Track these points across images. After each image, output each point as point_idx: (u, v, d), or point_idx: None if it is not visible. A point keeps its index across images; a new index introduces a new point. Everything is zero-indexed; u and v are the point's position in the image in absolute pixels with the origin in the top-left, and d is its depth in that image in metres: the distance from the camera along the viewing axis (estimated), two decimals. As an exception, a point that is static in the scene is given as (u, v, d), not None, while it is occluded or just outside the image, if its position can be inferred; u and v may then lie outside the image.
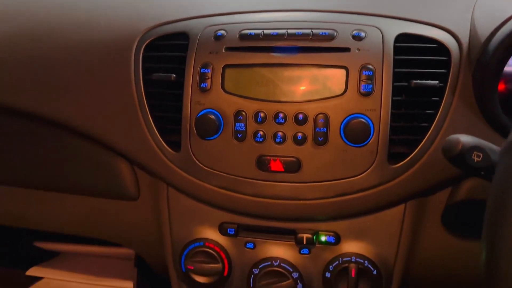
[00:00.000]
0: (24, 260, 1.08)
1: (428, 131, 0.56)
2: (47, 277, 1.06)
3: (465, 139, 0.42)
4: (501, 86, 0.57)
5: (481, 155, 0.41)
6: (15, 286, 1.04)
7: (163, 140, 0.63)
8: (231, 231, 0.64)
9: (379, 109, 0.56)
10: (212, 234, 0.65)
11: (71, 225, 0.77)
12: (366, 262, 0.60)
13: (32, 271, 1.06)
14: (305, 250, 0.63)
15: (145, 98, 0.63)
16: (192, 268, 0.65)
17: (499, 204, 0.34)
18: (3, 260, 1.11)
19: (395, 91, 0.57)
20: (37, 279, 1.06)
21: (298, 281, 0.62)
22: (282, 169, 0.59)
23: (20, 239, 1.11)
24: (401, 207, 0.60)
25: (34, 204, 0.78)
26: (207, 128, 0.60)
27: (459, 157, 0.42)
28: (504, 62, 0.53)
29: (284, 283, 0.62)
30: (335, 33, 0.58)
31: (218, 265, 0.64)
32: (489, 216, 0.35)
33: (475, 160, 0.41)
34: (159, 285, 0.97)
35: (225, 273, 0.64)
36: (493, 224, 0.34)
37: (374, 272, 0.60)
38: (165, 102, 0.63)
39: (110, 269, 1.05)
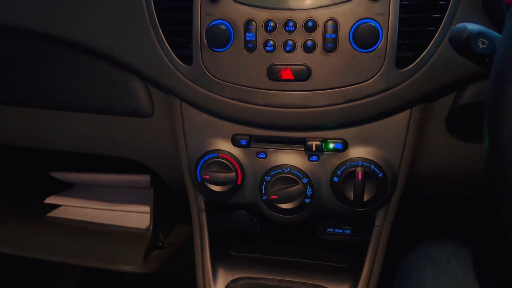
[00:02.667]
0: (41, 191, 1.12)
1: (434, 35, 0.57)
2: (65, 204, 1.11)
3: (472, 26, 0.43)
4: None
5: (486, 41, 0.43)
6: (34, 214, 1.07)
7: (174, 54, 0.64)
8: (243, 142, 0.67)
9: (388, 13, 0.57)
10: (225, 145, 0.68)
11: (87, 144, 0.79)
12: (372, 165, 0.63)
13: (50, 199, 1.10)
14: (314, 158, 0.66)
15: (155, 12, 0.64)
16: (208, 177, 0.68)
17: (504, 61, 0.35)
18: (20, 190, 1.15)
19: None
20: (55, 207, 1.10)
21: (308, 186, 0.65)
22: (292, 77, 0.60)
23: (36, 170, 1.14)
24: (407, 112, 0.62)
25: (50, 124, 0.80)
26: (218, 39, 0.61)
27: (465, 44, 0.43)
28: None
29: (295, 188, 0.65)
30: None
31: (231, 174, 0.67)
32: (494, 76, 0.37)
33: (481, 47, 0.43)
34: (174, 209, 1.01)
35: (239, 181, 0.68)
36: (497, 81, 0.36)
37: (380, 175, 0.63)
38: (175, 15, 0.64)
39: (126, 198, 1.09)
